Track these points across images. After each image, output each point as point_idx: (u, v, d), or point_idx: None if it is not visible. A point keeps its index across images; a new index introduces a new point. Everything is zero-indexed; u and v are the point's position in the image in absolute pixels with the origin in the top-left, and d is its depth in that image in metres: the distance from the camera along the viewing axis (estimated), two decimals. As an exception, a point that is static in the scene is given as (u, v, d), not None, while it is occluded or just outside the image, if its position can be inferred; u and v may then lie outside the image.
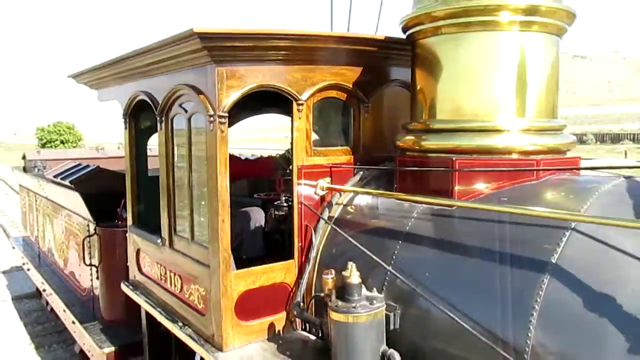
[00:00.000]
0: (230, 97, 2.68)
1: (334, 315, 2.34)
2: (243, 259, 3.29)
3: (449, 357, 2.23)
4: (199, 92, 2.78)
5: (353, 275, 2.37)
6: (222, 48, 2.56)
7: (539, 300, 1.95)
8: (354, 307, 2.30)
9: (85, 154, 8.32)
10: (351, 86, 3.07)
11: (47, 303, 6.80)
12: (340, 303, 2.34)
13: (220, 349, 2.78)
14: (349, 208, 3.01)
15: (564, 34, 2.78)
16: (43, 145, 46.92)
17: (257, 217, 3.66)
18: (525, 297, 1.98)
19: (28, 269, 7.49)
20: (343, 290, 2.37)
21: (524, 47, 2.62)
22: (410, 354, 2.35)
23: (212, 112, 2.69)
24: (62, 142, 49.40)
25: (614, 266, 1.88)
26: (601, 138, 48.16)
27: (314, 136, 3.11)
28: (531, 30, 2.62)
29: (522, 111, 2.64)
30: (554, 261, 1.99)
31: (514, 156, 2.60)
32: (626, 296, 1.80)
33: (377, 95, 3.17)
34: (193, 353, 3.20)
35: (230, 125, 5.38)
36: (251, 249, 3.55)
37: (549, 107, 2.72)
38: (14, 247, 8.95)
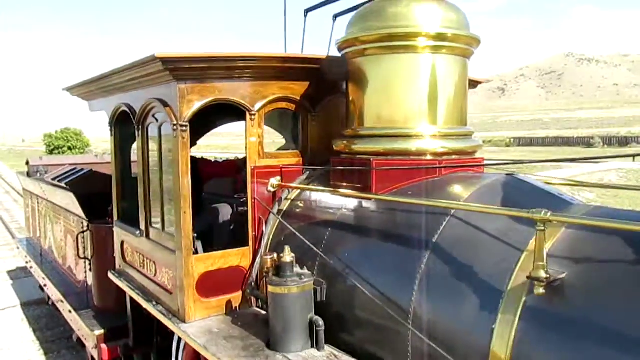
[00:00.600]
0: (190, 109, 3.21)
1: (271, 289, 2.85)
2: (213, 247, 3.80)
3: (361, 322, 2.73)
4: (165, 104, 3.31)
5: (287, 255, 2.88)
6: (181, 69, 3.09)
7: (420, 271, 2.45)
8: (285, 281, 2.81)
9: (83, 159, 8.86)
10: (299, 98, 3.59)
11: (49, 298, 7.34)
12: (275, 278, 2.85)
13: (183, 321, 3.30)
14: (295, 202, 3.52)
15: (470, 56, 3.30)
16: (51, 152, 47.67)
17: (224, 211, 4.18)
18: (411, 269, 2.49)
19: (31, 267, 8.06)
20: (279, 269, 2.88)
21: (435, 66, 3.13)
22: (335, 321, 2.85)
23: (175, 122, 3.22)
24: (69, 148, 50.15)
25: (476, 242, 2.38)
26: (608, 141, 48.43)
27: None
28: (441, 53, 3.13)
29: (433, 119, 3.14)
30: (434, 240, 2.49)
31: (428, 157, 3.11)
32: (482, 265, 2.30)
33: (323, 105, 3.68)
34: (172, 333, 3.71)
35: (202, 134, 5.91)
36: (219, 239, 4.05)
37: (457, 116, 3.23)
38: (18, 248, 9.56)
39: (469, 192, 2.64)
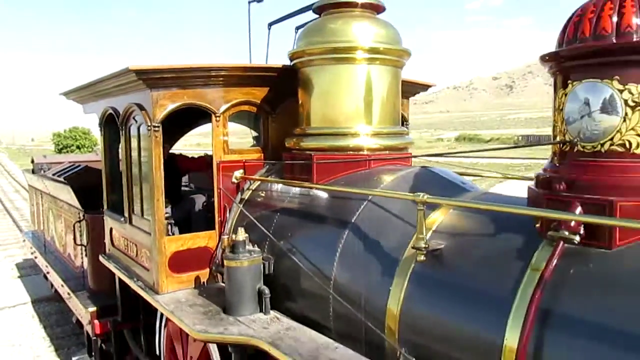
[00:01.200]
0: (162, 113, 3.76)
1: (226, 262, 3.40)
2: (191, 231, 4.34)
3: (299, 291, 3.28)
4: (142, 108, 3.87)
5: (240, 235, 3.43)
6: (152, 79, 3.65)
7: (340, 245, 3.00)
8: (238, 256, 3.35)
9: (82, 157, 9.47)
10: (259, 102, 4.13)
11: (52, 285, 7.94)
12: (230, 254, 3.40)
13: (157, 293, 3.86)
14: (256, 192, 4.05)
15: (402, 66, 3.84)
16: (59, 151, 48.42)
17: (199, 201, 4.74)
18: (334, 244, 3.03)
19: (36, 257, 8.68)
20: (234, 246, 3.43)
21: (370, 75, 3.67)
22: (280, 291, 3.40)
23: (149, 123, 3.78)
24: (78, 147, 50.86)
25: (383, 222, 2.92)
26: None
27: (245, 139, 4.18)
28: (374, 64, 3.66)
29: (369, 120, 3.68)
30: (352, 220, 3.04)
31: (365, 152, 3.65)
32: (386, 240, 2.84)
33: (281, 107, 4.21)
34: (156, 310, 4.26)
35: (180, 134, 6.45)
36: (196, 224, 4.60)
37: (390, 117, 3.77)
38: (24, 241, 10.20)
39: (386, 181, 3.18)
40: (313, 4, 3.95)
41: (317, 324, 3.09)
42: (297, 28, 4.54)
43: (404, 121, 5.09)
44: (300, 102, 3.87)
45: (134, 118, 4.18)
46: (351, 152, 3.62)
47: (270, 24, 4.58)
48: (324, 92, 3.71)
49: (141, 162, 4.14)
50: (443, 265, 2.53)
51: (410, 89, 5.04)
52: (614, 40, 2.08)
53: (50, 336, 7.46)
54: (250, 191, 4.08)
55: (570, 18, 2.26)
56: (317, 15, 3.93)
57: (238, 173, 4.05)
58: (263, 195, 4.00)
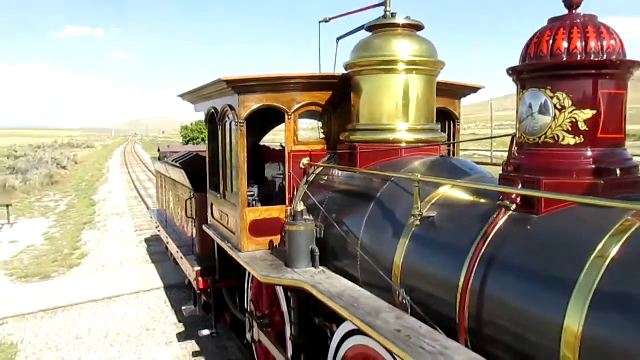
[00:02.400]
0: (246, 112, 4.89)
1: (288, 227, 4.43)
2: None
3: (338, 251, 4.22)
4: (232, 108, 5.04)
5: (299, 207, 4.46)
6: (238, 86, 4.78)
7: (367, 215, 3.91)
8: (296, 223, 4.37)
9: (198, 148, 11.09)
10: (324, 103, 5.12)
11: (171, 254, 9.58)
12: (291, 221, 4.43)
13: (240, 251, 5.02)
14: (319, 176, 5.04)
15: (437, 74, 4.62)
16: (187, 142, 52.95)
17: (277, 183, 5.85)
18: (363, 214, 3.95)
19: (159, 230, 10.45)
20: (294, 216, 4.46)
21: (408, 82, 4.50)
22: (328, 251, 4.36)
23: (237, 120, 4.93)
24: (202, 139, 55.19)
25: (399, 196, 3.77)
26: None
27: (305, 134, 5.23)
28: (412, 73, 4.49)
29: (406, 118, 4.52)
30: (377, 196, 3.93)
31: (403, 144, 4.50)
32: (399, 211, 3.69)
33: (341, 107, 5.16)
34: (244, 270, 5.40)
35: (269, 129, 7.61)
36: (275, 201, 5.69)
37: (424, 116, 4.58)
38: (151, 217, 12.16)
39: (408, 167, 4.03)
40: (368, 23, 4.85)
41: (350, 275, 4.02)
42: (339, 39, 5.45)
43: (455, 119, 5.83)
44: (352, 103, 4.80)
45: (227, 116, 5.37)
46: (390, 144, 4.50)
47: (338, 39, 5.52)
48: (370, 96, 4.61)
49: (232, 150, 5.32)
50: (432, 228, 3.36)
51: (460, 91, 5.76)
52: (548, 60, 2.79)
53: (182, 322, 7.96)
54: (314, 175, 5.09)
55: (528, 41, 2.98)
56: (370, 33, 4.82)
57: (305, 160, 5.08)
58: (323, 178, 4.99)
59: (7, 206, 16.94)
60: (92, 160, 51.24)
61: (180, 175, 7.67)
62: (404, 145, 4.47)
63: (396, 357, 2.90)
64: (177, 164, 7.74)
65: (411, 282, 3.35)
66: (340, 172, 4.73)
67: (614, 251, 2.27)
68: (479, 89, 5.75)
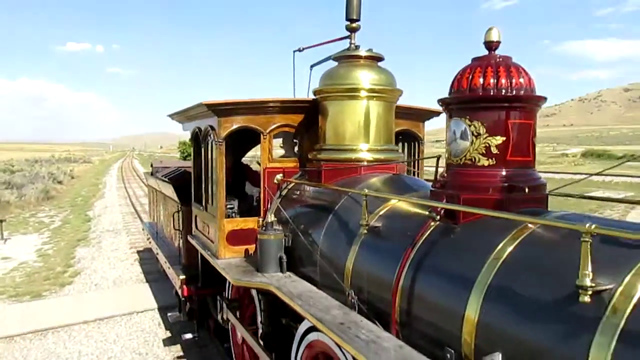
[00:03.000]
0: (225, 132, 5.41)
1: (259, 236, 4.92)
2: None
3: (303, 258, 4.71)
4: (213, 129, 5.56)
5: (271, 218, 4.95)
6: (218, 110, 5.31)
7: (325, 226, 4.41)
8: (267, 232, 4.87)
9: (188, 163, 11.61)
10: (296, 125, 5.65)
11: (161, 265, 10.03)
12: (262, 231, 4.92)
13: (218, 258, 5.50)
14: (291, 191, 5.56)
15: (395, 101, 5.16)
16: (185, 157, 53.59)
17: (256, 197, 6.36)
18: (322, 225, 4.44)
19: (149, 241, 10.92)
20: (265, 226, 4.95)
21: (369, 108, 5.03)
22: (294, 258, 4.85)
23: (216, 139, 5.45)
24: (198, 155, 55.79)
25: (353, 210, 4.28)
26: None
27: (281, 151, 5.75)
28: (372, 100, 5.03)
29: (367, 140, 5.05)
30: (335, 209, 4.44)
31: (364, 163, 5.01)
32: (352, 221, 4.18)
33: (312, 129, 5.69)
34: (225, 279, 5.87)
35: (247, 150, 8.10)
36: (254, 213, 6.17)
37: (384, 137, 5.11)
38: (143, 229, 12.63)
39: (362, 183, 4.54)
40: (334, 54, 5.40)
41: (312, 279, 4.50)
42: (312, 66, 5.99)
43: (419, 140, 6.36)
44: (319, 125, 5.34)
45: (209, 135, 5.89)
46: (351, 162, 5.02)
47: (311, 66, 6.07)
48: (335, 119, 5.15)
49: (212, 167, 5.83)
50: (377, 236, 3.86)
51: (424, 114, 6.30)
52: (467, 94, 3.33)
53: (175, 346, 7.75)
54: (287, 190, 5.59)
55: (454, 77, 3.52)
56: (336, 62, 5.37)
57: (279, 176, 5.59)
58: (295, 192, 5.50)
59: (1, 221, 16.82)
60: (88, 175, 51.45)
61: (169, 190, 8.18)
62: (364, 163, 5.00)
63: (340, 347, 3.38)
64: (166, 179, 8.25)
65: (359, 284, 3.84)
66: (308, 188, 5.24)
67: (506, 253, 2.78)
68: (441, 113, 6.29)
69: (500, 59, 3.37)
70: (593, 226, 2.16)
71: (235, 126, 5.46)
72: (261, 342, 5.04)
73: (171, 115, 7.31)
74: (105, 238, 16.63)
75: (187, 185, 7.40)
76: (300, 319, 4.28)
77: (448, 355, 2.81)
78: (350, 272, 3.94)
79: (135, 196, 28.41)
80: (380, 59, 5.24)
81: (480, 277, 2.77)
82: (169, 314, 7.89)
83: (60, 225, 19.86)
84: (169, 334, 8.28)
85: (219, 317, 6.22)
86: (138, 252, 14.05)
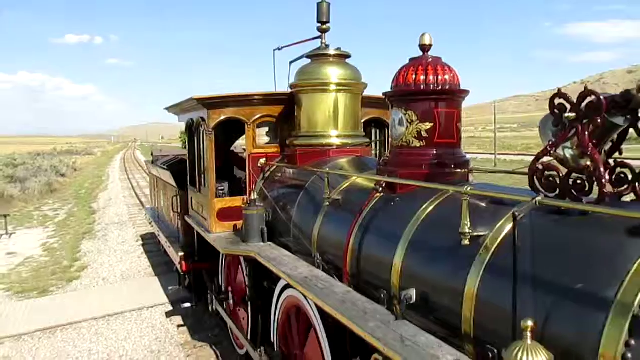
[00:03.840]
0: (214, 122, 6.18)
1: (244, 211, 5.70)
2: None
3: (281, 229, 5.50)
4: (203, 120, 6.34)
5: (254, 196, 5.74)
6: (207, 103, 6.09)
7: (298, 200, 5.19)
8: (250, 207, 5.65)
9: (185, 151, 12.41)
10: (276, 115, 6.42)
11: (160, 243, 10.85)
12: (246, 206, 5.71)
13: (210, 233, 6.31)
14: (273, 173, 6.33)
15: (360, 93, 5.92)
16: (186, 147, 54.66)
17: (243, 180, 7.15)
18: (295, 200, 5.23)
19: (151, 224, 11.75)
20: (249, 203, 5.74)
21: (338, 99, 5.81)
22: (274, 230, 5.64)
23: (206, 129, 6.23)
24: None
25: (319, 186, 5.05)
26: None
27: (266, 139, 6.55)
28: (340, 92, 5.80)
29: (336, 127, 5.82)
30: (306, 186, 5.22)
31: (334, 147, 5.79)
32: (319, 195, 4.96)
33: (290, 118, 6.45)
34: (219, 253, 6.69)
35: (235, 139, 8.86)
36: (241, 194, 6.98)
37: (351, 125, 5.88)
38: (145, 214, 13.47)
39: (330, 164, 5.32)
40: (308, 52, 6.16)
41: (288, 247, 5.29)
42: (291, 62, 6.71)
43: (387, 126, 7.14)
44: (295, 115, 6.11)
45: (201, 126, 6.67)
46: (321, 147, 5.79)
47: (290, 62, 6.81)
48: (308, 109, 5.92)
49: (204, 153, 6.62)
50: (337, 208, 4.63)
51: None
52: (403, 89, 4.09)
53: (187, 343, 7.54)
54: (269, 172, 6.38)
55: (395, 74, 4.27)
56: (310, 60, 6.13)
57: (262, 160, 6.37)
58: (276, 174, 6.28)
59: (5, 216, 16.72)
60: (91, 167, 51.88)
61: (167, 176, 8.98)
62: (334, 147, 5.78)
63: (306, 297, 4.18)
64: (165, 167, 9.05)
65: (322, 247, 4.63)
66: (286, 169, 6.03)
67: (425, 214, 3.56)
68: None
69: (431, 60, 4.12)
70: (469, 189, 2.94)
71: (223, 117, 6.24)
72: (248, 336, 5.88)
73: (167, 109, 8.09)
74: (111, 231, 16.47)
75: (183, 172, 8.19)
76: (278, 280, 5.08)
77: (382, 296, 3.60)
78: (316, 239, 4.73)
79: (139, 187, 28.49)
80: (347, 56, 5.99)
81: (405, 233, 3.56)
82: (169, 288, 8.73)
83: (65, 219, 19.84)
84: (182, 329, 8.07)
85: (210, 308, 7.04)
86: (145, 244, 14.00)
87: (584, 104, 2.63)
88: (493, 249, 2.87)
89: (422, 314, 3.24)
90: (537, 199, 2.58)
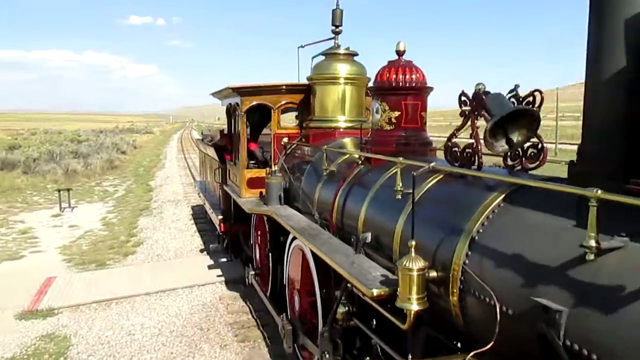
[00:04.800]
0: (246, 107, 7.60)
1: (266, 180, 7.11)
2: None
3: (294, 194, 6.86)
4: (237, 105, 7.77)
5: (275, 168, 7.13)
6: (240, 92, 7.50)
7: (305, 172, 6.53)
8: (271, 177, 7.04)
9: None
10: (297, 102, 7.75)
11: (206, 212, 12.50)
12: (268, 176, 7.10)
13: (240, 197, 7.77)
14: (292, 150, 7.69)
15: (365, 85, 7.14)
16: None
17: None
18: (303, 171, 6.57)
19: (199, 195, 13.43)
20: (271, 174, 7.13)
21: (345, 91, 7.08)
22: (290, 195, 7.02)
23: (240, 112, 7.65)
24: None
25: (321, 161, 6.36)
26: None
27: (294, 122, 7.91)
28: (347, 85, 7.06)
29: (343, 113, 7.11)
30: (312, 161, 6.55)
31: (340, 130, 7.07)
32: (320, 168, 6.28)
33: (308, 105, 7.76)
34: (251, 216, 8.14)
35: (264, 125, 10.26)
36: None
37: (355, 112, 7.14)
38: (195, 187, 15.21)
39: (335, 142, 6.61)
40: (323, 50, 7.43)
41: (298, 208, 6.65)
42: (313, 57, 7.98)
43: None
44: (311, 103, 7.42)
45: (235, 110, 8.10)
46: (331, 129, 7.09)
47: (313, 57, 8.10)
48: (321, 98, 7.22)
49: (237, 134, 8.05)
50: (331, 177, 5.90)
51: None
52: (379, 85, 5.32)
53: (235, 323, 7.64)
54: (290, 149, 7.74)
55: (376, 73, 5.49)
56: (324, 57, 7.40)
57: (285, 139, 7.74)
58: (296, 151, 7.63)
59: (68, 190, 17.29)
60: (150, 146, 53.39)
61: (211, 151, 10.52)
62: (340, 129, 7.06)
63: (301, 242, 5.53)
64: (210, 143, 10.59)
65: (320, 207, 5.96)
66: (302, 147, 7.38)
67: (385, 179, 4.82)
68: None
69: (403, 62, 5.32)
70: (401, 159, 4.18)
71: (253, 103, 7.64)
72: (271, 301, 7.25)
73: (212, 94, 9.58)
74: (167, 208, 16.94)
75: (225, 148, 9.69)
76: (288, 234, 6.45)
77: (352, 239, 4.89)
78: (316, 201, 6.06)
79: (194, 167, 28.17)
80: (355, 54, 7.23)
81: (370, 193, 4.83)
82: (210, 246, 10.32)
83: (123, 195, 20.48)
84: (231, 309, 8.23)
85: (246, 281, 8.38)
86: (197, 222, 14.49)
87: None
88: (409, 201, 4.11)
89: (374, 249, 4.52)
90: (431, 164, 3.79)
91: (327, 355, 4.71)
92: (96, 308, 8.30)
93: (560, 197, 2.72)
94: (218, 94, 9.19)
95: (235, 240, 9.81)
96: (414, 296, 3.25)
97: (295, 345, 5.79)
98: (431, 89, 5.35)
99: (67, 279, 9.68)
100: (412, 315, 3.31)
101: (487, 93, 3.75)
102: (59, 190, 16.98)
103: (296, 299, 6.19)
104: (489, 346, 2.78)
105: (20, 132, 63.38)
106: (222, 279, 9.40)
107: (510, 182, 3.31)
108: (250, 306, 8.21)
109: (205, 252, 11.37)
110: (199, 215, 15.16)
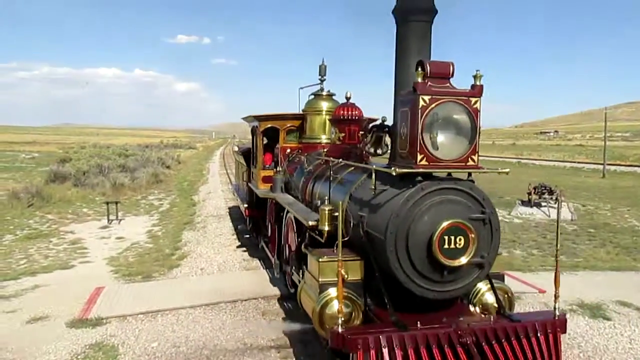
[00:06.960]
0: (262, 128, 11.44)
1: (274, 176, 10.87)
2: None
3: (292, 186, 10.58)
4: (257, 127, 11.63)
5: (279, 169, 10.91)
6: (259, 118, 11.36)
7: (296, 170, 10.30)
8: (277, 175, 10.80)
9: None
10: (297, 125, 11.54)
11: (239, 206, 16.35)
12: (275, 175, 10.86)
13: (257, 189, 11.58)
14: (293, 157, 11.41)
15: (337, 114, 10.89)
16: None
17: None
18: (296, 169, 10.33)
19: (234, 194, 17.38)
20: (276, 172, 10.89)
21: (326, 119, 10.79)
22: (289, 187, 10.72)
23: (258, 132, 11.51)
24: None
25: (307, 163, 10.09)
26: None
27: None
28: (328, 115, 10.76)
29: (325, 133, 10.83)
30: (302, 163, 10.30)
31: (322, 144, 10.79)
32: (303, 168, 10.01)
33: (303, 127, 11.48)
34: (267, 202, 11.90)
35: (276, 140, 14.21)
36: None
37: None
38: (230, 188, 19.24)
39: (317, 152, 10.33)
40: (312, 92, 11.20)
41: (294, 195, 10.33)
42: (300, 88, 11.75)
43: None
44: (304, 127, 11.19)
45: (256, 130, 11.95)
46: (316, 144, 10.80)
47: (300, 88, 11.78)
48: (311, 123, 10.97)
49: (256, 147, 11.89)
50: (308, 173, 9.60)
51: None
52: (336, 117, 9.04)
53: (279, 338, 7.48)
54: (291, 157, 11.48)
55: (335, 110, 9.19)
56: (313, 96, 11.16)
57: (288, 150, 11.51)
58: (295, 159, 11.35)
59: (116, 203, 18.01)
60: (193, 161, 54.40)
61: (241, 159, 14.44)
62: (322, 144, 10.75)
63: (290, 213, 9.22)
64: (240, 153, 14.55)
65: (301, 192, 9.63)
66: (298, 155, 11.12)
67: (329, 172, 8.49)
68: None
69: (348, 104, 8.97)
70: (339, 160, 7.87)
71: (268, 126, 11.47)
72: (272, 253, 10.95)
73: (243, 118, 13.49)
74: (210, 223, 17.24)
75: (250, 155, 13.54)
76: (284, 210, 10.08)
77: (313, 205, 8.55)
78: (300, 189, 9.74)
79: (233, 175, 25.30)
80: (333, 95, 10.98)
81: (322, 180, 8.51)
82: (238, 226, 14.12)
83: (168, 209, 20.91)
84: (274, 324, 8.19)
85: (259, 246, 11.96)
86: (242, 240, 14.56)
87: (370, 125, 7.45)
88: (337, 181, 7.77)
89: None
90: (339, 160, 7.47)
91: (294, 269, 8.40)
92: (142, 319, 8.34)
93: (382, 174, 6.36)
94: (245, 119, 13.08)
95: (256, 224, 13.62)
96: (326, 223, 6.93)
97: (283, 272, 9.51)
98: (366, 119, 9.02)
99: (115, 289, 9.88)
100: (325, 233, 6.97)
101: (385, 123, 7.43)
102: (107, 203, 17.80)
103: (286, 249, 9.90)
104: (347, 238, 6.41)
105: (71, 146, 66.52)
106: (266, 294, 9.59)
107: (369, 170, 7.00)
108: (245, 225, 10.14)
109: (247, 268, 11.76)
110: (241, 230, 15.68)
